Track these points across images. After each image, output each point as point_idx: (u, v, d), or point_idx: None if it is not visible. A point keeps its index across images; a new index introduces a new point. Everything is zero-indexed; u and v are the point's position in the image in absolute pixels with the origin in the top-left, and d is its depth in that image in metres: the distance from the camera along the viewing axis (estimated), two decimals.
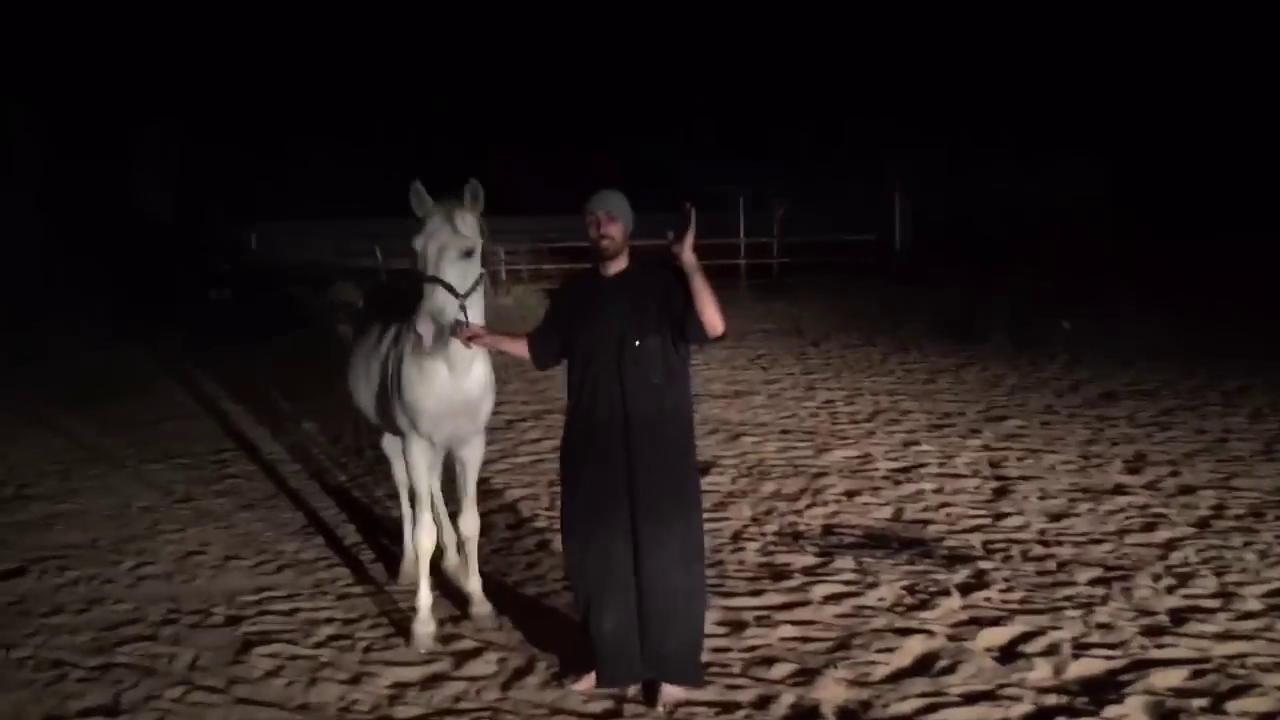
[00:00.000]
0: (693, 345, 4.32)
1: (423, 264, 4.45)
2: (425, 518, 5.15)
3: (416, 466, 5.09)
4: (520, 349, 4.61)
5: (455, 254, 4.44)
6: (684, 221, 4.11)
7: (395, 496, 6.41)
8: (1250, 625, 5.00)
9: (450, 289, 4.38)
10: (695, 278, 4.11)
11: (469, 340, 4.50)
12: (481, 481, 7.92)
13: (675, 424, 4.30)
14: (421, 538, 5.15)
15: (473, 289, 4.50)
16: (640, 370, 4.23)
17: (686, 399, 4.41)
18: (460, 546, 5.68)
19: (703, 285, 4.12)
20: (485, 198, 4.61)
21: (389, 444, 6.13)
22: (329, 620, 5.45)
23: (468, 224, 4.51)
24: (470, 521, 5.26)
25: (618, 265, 4.39)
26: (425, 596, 5.13)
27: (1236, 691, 4.32)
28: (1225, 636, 4.88)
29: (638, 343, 4.22)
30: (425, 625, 5.08)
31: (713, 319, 4.16)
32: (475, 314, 4.52)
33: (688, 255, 4.09)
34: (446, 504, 6.11)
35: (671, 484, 4.25)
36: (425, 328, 4.28)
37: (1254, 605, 5.23)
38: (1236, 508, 6.83)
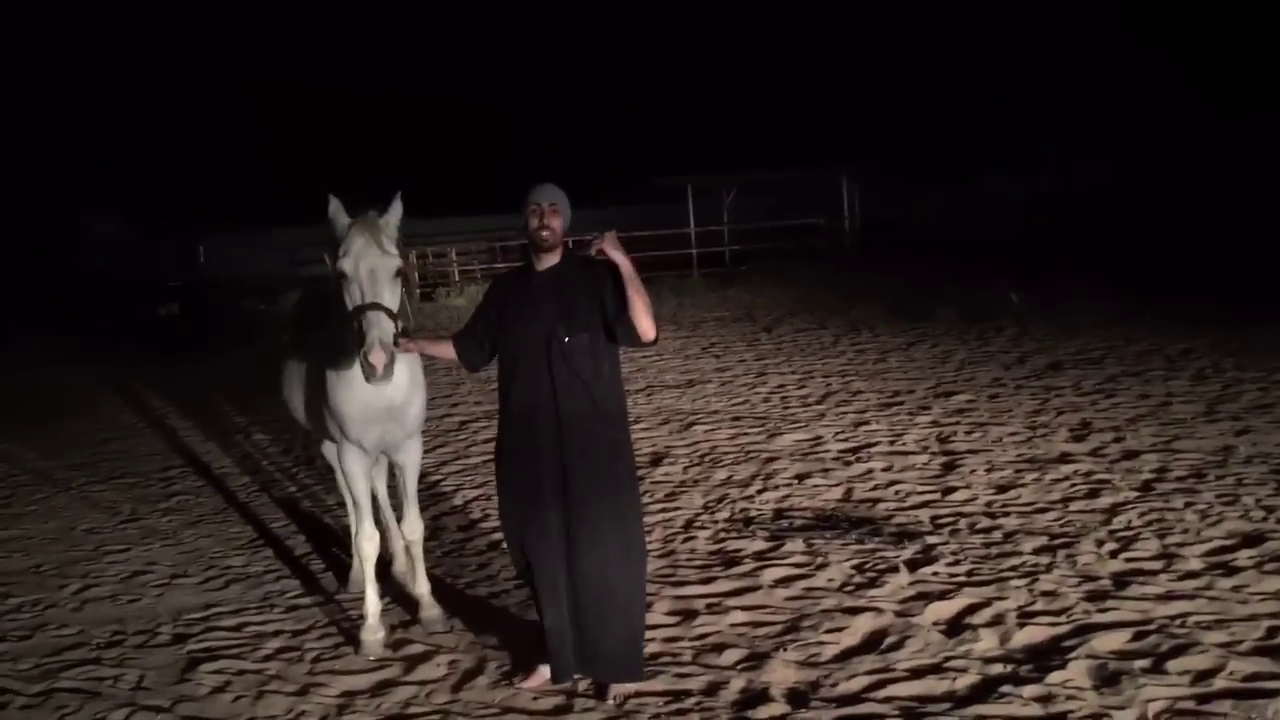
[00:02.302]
0: (622, 347, 4.30)
1: (356, 287, 4.34)
2: (365, 524, 5.10)
3: (351, 473, 5.04)
4: (447, 352, 4.57)
5: (387, 276, 4.38)
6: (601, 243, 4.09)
7: (345, 504, 6.35)
8: (1190, 585, 5.07)
9: (390, 313, 4.33)
10: (630, 283, 4.06)
11: (407, 350, 4.49)
12: (433, 483, 7.90)
13: (607, 420, 4.25)
14: (363, 544, 5.11)
15: (402, 305, 4.48)
16: (570, 366, 4.19)
17: (618, 394, 4.37)
18: (408, 550, 5.64)
19: (637, 291, 4.06)
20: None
21: (329, 450, 6.07)
22: (277, 633, 5.39)
23: (392, 241, 4.45)
24: (413, 525, 5.22)
25: (549, 260, 4.33)
26: (373, 603, 5.08)
27: (1177, 651, 4.37)
28: (1166, 597, 4.95)
29: (567, 339, 4.19)
30: (373, 632, 5.04)
31: (646, 326, 4.11)
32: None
33: (618, 256, 4.05)
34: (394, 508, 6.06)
35: (606, 481, 4.21)
36: (379, 357, 4.19)
37: (1195, 565, 5.31)
38: (1178, 469, 6.92)
